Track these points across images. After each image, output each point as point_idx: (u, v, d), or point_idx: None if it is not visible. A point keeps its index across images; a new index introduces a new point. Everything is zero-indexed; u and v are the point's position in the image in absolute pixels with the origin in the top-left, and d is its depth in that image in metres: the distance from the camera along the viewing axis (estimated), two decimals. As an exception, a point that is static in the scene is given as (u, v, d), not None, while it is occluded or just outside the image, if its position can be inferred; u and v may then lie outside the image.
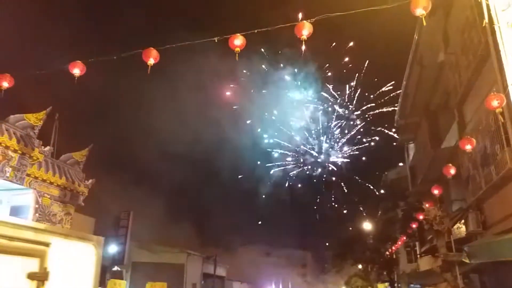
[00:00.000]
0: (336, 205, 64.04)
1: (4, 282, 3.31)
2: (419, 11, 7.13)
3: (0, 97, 9.43)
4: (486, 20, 9.66)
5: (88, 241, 4.33)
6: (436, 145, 17.40)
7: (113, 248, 27.44)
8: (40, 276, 3.65)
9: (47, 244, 3.74)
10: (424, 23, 7.53)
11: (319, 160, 65.21)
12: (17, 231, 3.53)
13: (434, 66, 16.85)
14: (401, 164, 29.21)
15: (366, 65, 61.10)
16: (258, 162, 65.72)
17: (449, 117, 15.64)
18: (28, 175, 11.58)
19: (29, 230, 3.69)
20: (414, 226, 20.54)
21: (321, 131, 65.43)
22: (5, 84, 9.42)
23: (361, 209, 30.55)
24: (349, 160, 64.85)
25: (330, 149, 65.39)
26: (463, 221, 14.69)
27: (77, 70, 9.01)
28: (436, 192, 14.52)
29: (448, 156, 15.17)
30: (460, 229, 15.18)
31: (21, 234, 3.55)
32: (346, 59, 61.69)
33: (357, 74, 63.56)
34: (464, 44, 12.82)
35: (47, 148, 12.28)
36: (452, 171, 12.61)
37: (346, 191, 66.13)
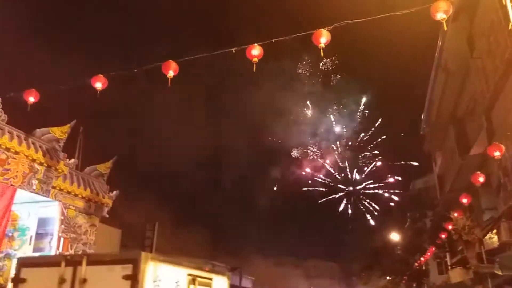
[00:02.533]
0: (362, 216, 62.73)
1: None
2: (440, 15, 6.95)
3: (27, 112, 9.76)
4: (512, 22, 9.34)
5: (224, 275, 7.73)
6: (464, 153, 16.88)
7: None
8: None
9: (211, 279, 7.08)
10: (445, 28, 7.33)
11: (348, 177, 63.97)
12: (203, 273, 6.89)
13: (460, 72, 16.44)
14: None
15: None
16: (285, 173, 65.11)
17: (477, 123, 15.17)
18: (53, 187, 11.78)
19: (206, 272, 7.00)
20: (443, 236, 19.89)
21: (344, 141, 64.30)
22: (31, 99, 9.75)
23: (388, 219, 29.78)
24: (374, 169, 63.47)
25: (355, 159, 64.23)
26: (495, 230, 14.13)
27: (99, 84, 9.25)
28: (464, 201, 14.07)
29: (477, 163, 14.70)
30: (492, 239, 14.59)
31: (204, 275, 6.88)
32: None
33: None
34: (490, 48, 12.47)
35: (72, 160, 12.49)
36: (481, 179, 12.19)
37: (372, 201, 64.81)
